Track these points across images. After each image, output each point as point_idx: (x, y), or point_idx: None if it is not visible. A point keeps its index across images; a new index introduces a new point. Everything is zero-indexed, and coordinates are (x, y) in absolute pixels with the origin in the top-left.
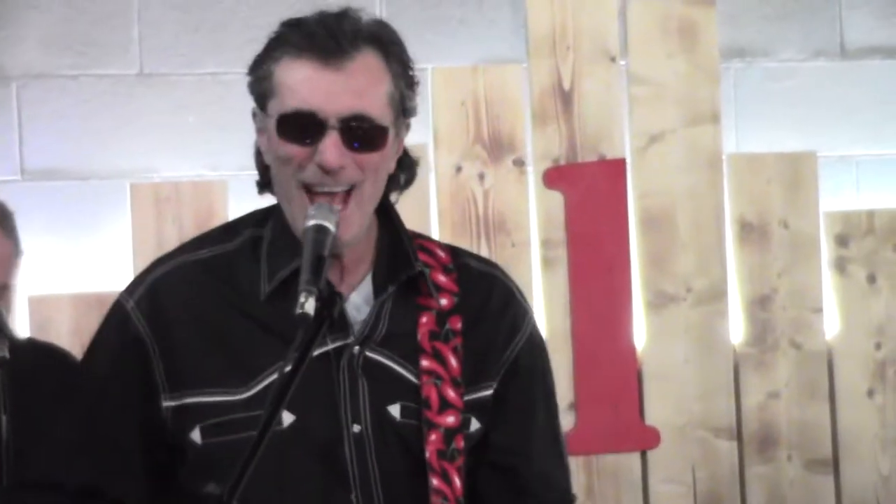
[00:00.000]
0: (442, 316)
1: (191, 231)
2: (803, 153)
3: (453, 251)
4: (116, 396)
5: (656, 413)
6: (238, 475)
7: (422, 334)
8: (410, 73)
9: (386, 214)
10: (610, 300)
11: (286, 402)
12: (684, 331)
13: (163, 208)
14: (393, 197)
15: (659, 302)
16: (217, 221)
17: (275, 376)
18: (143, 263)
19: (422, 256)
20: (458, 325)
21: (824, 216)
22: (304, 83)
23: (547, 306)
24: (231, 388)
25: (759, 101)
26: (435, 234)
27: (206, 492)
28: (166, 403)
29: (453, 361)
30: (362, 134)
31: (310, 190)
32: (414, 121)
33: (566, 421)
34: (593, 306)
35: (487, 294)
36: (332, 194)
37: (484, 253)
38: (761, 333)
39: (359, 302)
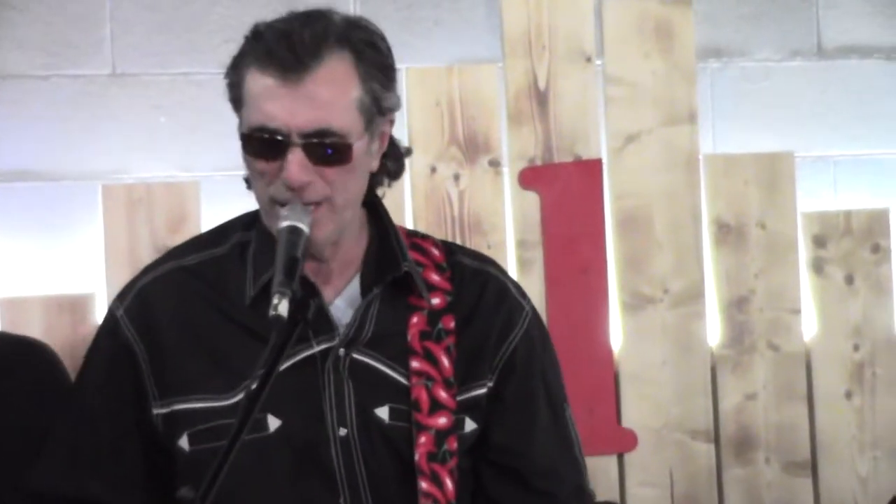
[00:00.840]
0: (434, 315)
1: (163, 233)
2: (780, 153)
3: (448, 248)
4: (112, 405)
5: (633, 415)
6: (210, 480)
7: (412, 335)
8: (387, 69)
9: (375, 212)
10: (586, 302)
11: (259, 406)
12: (661, 332)
13: (135, 210)
14: (381, 190)
15: (636, 303)
16: (190, 223)
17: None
18: (116, 265)
19: (414, 255)
20: (451, 324)
21: (802, 217)
22: (266, 99)
23: None
24: (217, 393)
25: (735, 101)
26: None
27: (178, 496)
28: (156, 411)
29: (445, 361)
30: (326, 148)
31: (279, 204)
32: None
33: None
34: (569, 308)
35: (480, 291)
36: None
37: None
38: (739, 335)
39: (346, 304)
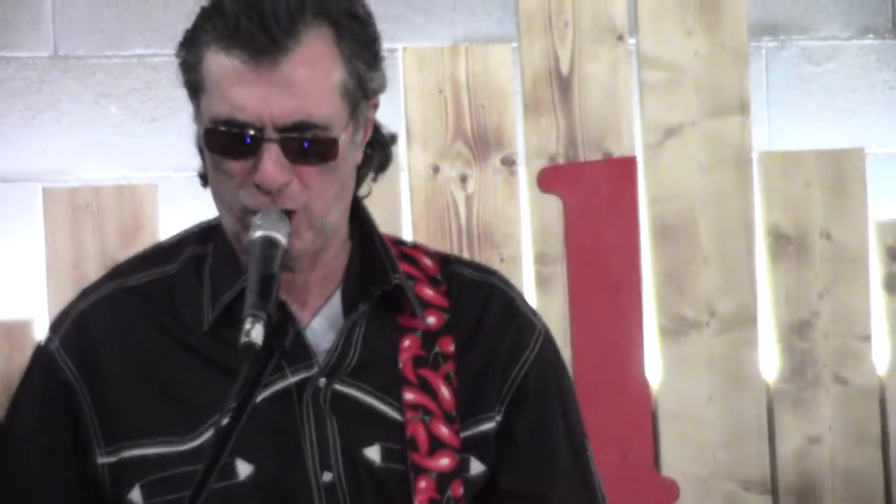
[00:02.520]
0: (429, 337)
1: (114, 244)
2: (849, 150)
3: (442, 259)
4: (47, 456)
5: (674, 462)
6: None
7: (404, 361)
8: (372, 44)
9: (356, 217)
10: (618, 326)
11: (227, 450)
12: (707, 363)
13: (81, 217)
14: (365, 188)
15: (676, 329)
16: (145, 233)
17: (226, 420)
18: (58, 283)
19: (404, 267)
20: (450, 348)
21: (874, 225)
22: (233, 85)
23: None
24: (174, 436)
25: (795, 87)
26: None
27: None
28: (102, 460)
29: (445, 392)
30: (307, 144)
31: (251, 212)
32: (383, 112)
33: None
34: (598, 334)
35: (483, 306)
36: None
37: None
38: (800, 366)
39: (324, 326)
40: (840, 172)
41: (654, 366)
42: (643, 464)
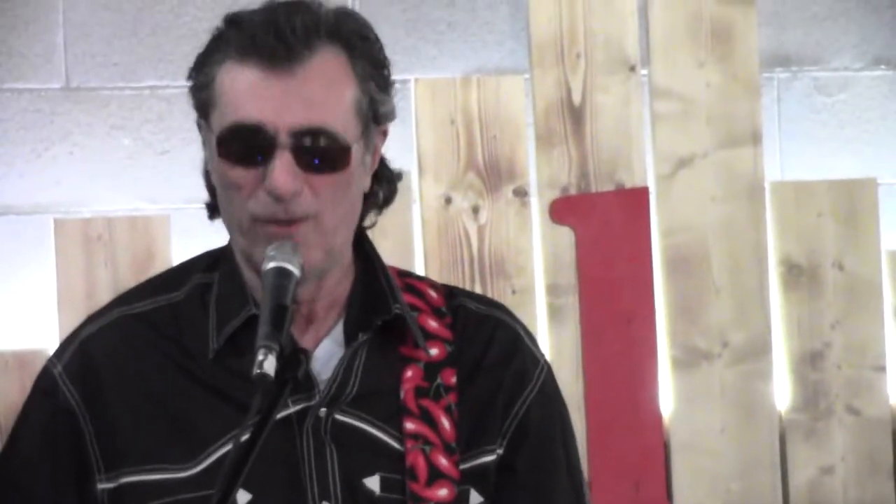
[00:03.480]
0: (432, 368)
1: (126, 275)
2: (861, 180)
3: (448, 291)
4: (49, 482)
5: (687, 493)
6: None
7: (406, 391)
8: (384, 71)
9: (360, 248)
10: (630, 357)
11: (239, 485)
12: (720, 394)
13: (93, 248)
14: (369, 219)
15: (689, 360)
16: (157, 264)
17: (227, 448)
18: (70, 314)
19: (409, 298)
20: (452, 380)
21: (886, 255)
22: (248, 93)
23: (554, 364)
24: (176, 463)
25: (807, 118)
26: None
27: None
28: (102, 486)
29: (446, 423)
30: (320, 152)
31: (260, 222)
32: (395, 143)
33: None
34: (610, 365)
35: (488, 340)
36: (282, 224)
37: None
38: (812, 397)
39: (327, 355)
40: (852, 203)
41: (667, 397)
42: (656, 495)
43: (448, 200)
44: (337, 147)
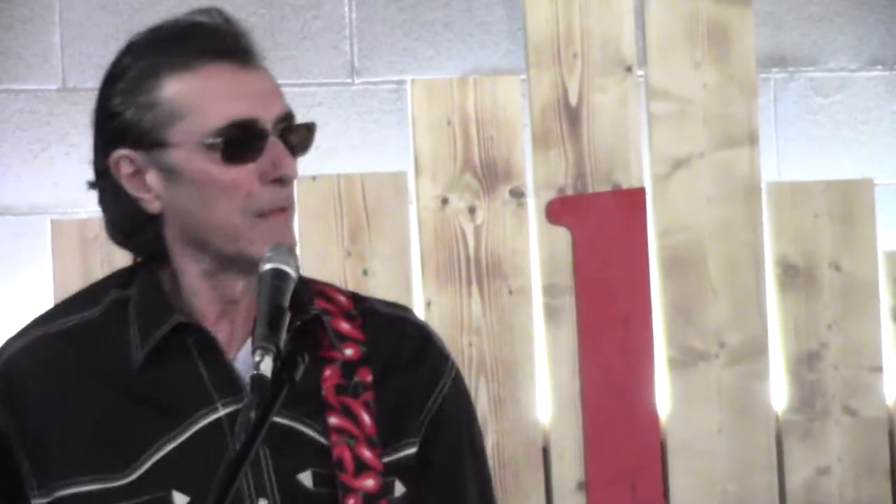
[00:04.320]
0: (348, 367)
1: None
2: (857, 181)
3: (355, 296)
4: None
5: (683, 493)
6: None
7: (327, 389)
8: None
9: None
10: (627, 358)
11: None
12: (716, 395)
13: (90, 249)
14: None
15: (686, 360)
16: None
17: (161, 454)
18: None
19: (320, 303)
20: (368, 378)
21: (883, 256)
22: (230, 90)
23: (551, 365)
24: (109, 472)
25: (804, 118)
26: (416, 280)
27: None
28: (36, 501)
29: (366, 418)
30: (298, 136)
31: (262, 215)
32: (392, 145)
33: (575, 503)
34: (607, 365)
35: (399, 340)
36: (281, 213)
37: (476, 302)
38: (809, 397)
39: (249, 357)
40: (849, 203)
41: (664, 397)
42: (652, 496)
43: (445, 201)
44: (307, 127)
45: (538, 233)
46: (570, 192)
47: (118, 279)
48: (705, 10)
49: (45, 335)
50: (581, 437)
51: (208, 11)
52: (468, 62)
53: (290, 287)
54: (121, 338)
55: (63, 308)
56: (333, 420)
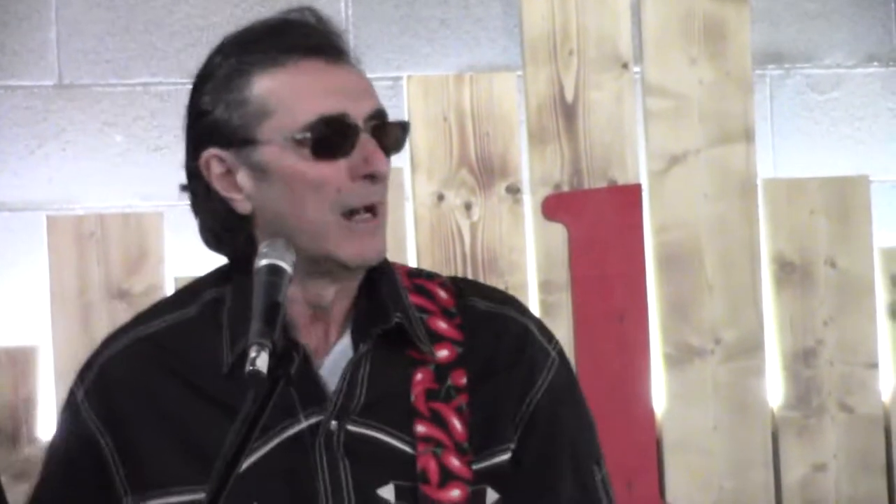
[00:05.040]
0: (442, 370)
1: (119, 272)
2: (853, 178)
3: (459, 289)
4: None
5: (679, 490)
6: None
7: (416, 394)
8: None
9: None
10: (623, 354)
11: (230, 483)
12: (712, 391)
13: (86, 245)
14: None
15: (682, 357)
16: (151, 262)
17: (243, 466)
18: (63, 312)
19: (417, 300)
20: (462, 381)
21: (879, 253)
22: (320, 86)
23: None
24: (198, 484)
25: (800, 115)
26: None
27: None
28: None
29: (457, 424)
30: (389, 133)
31: (349, 214)
32: None
33: None
34: (602, 362)
35: (497, 338)
36: (371, 214)
37: None
38: (805, 394)
39: (335, 367)
40: (845, 200)
41: (659, 394)
42: (648, 492)
43: (441, 197)
44: (402, 125)
45: (534, 229)
46: (566, 188)
47: (216, 277)
48: (701, 6)
49: (138, 339)
50: None
51: (300, 10)
52: (464, 59)
53: (286, 282)
54: (214, 340)
55: (160, 308)
56: (421, 428)
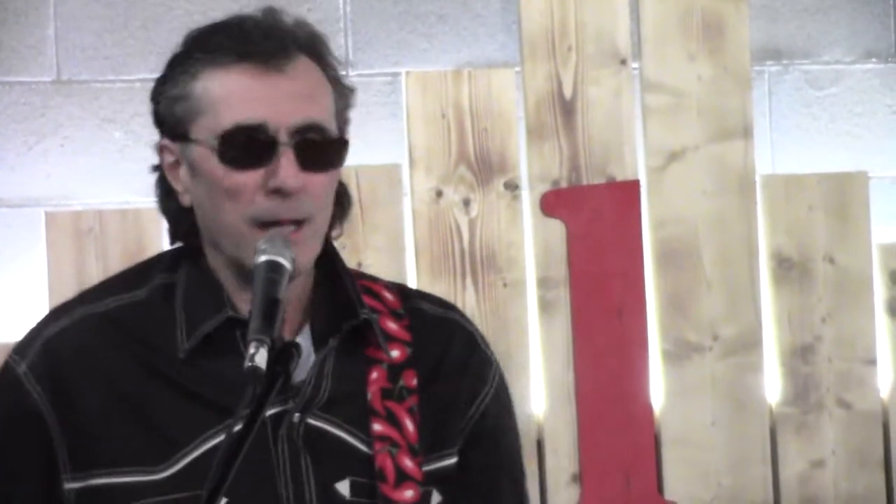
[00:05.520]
0: (394, 370)
1: (117, 268)
2: (852, 174)
3: (403, 293)
4: (11, 477)
5: (677, 486)
6: None
7: (373, 392)
8: (343, 83)
9: (323, 251)
10: (621, 350)
11: (230, 478)
12: (710, 387)
13: (84, 241)
14: (334, 233)
15: (680, 353)
16: (149, 256)
17: (200, 451)
18: None
19: (367, 300)
20: (413, 382)
21: (878, 249)
22: (245, 93)
23: (545, 357)
24: (147, 465)
25: (798, 111)
26: (411, 273)
27: None
28: (69, 485)
29: (409, 425)
30: (319, 148)
31: (262, 225)
32: (386, 137)
33: (569, 496)
34: (601, 358)
35: (446, 343)
36: (285, 225)
37: (470, 295)
38: (803, 390)
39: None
40: (843, 196)
41: (658, 390)
42: (646, 488)
43: (439, 194)
44: (334, 142)
45: (532, 225)
46: (564, 184)
47: (165, 262)
48: (700, 2)
49: (90, 315)
50: (575, 430)
51: (265, 10)
52: (463, 55)
53: (286, 278)
54: (167, 323)
55: (108, 287)
56: (378, 427)
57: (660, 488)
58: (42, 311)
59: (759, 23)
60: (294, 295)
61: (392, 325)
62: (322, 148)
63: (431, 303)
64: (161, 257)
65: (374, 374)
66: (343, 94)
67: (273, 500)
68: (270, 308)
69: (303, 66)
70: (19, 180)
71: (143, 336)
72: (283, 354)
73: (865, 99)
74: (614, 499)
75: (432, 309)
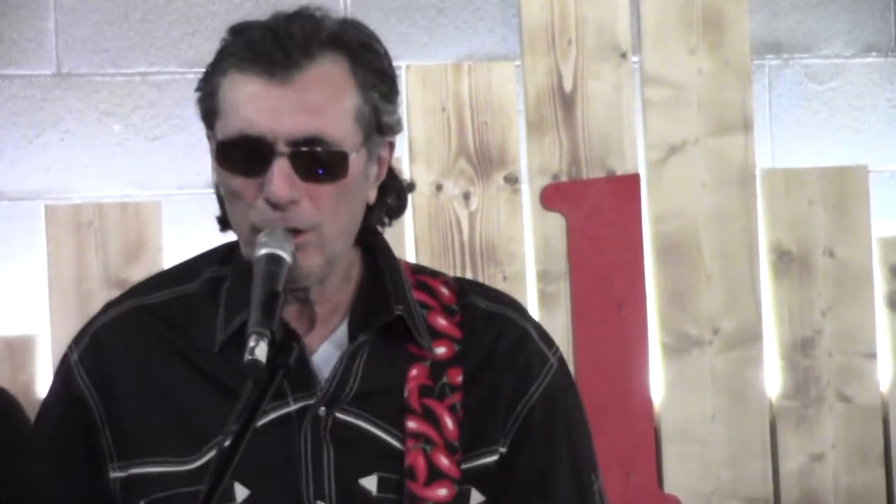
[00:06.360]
0: (438, 367)
1: (117, 261)
2: (852, 168)
3: (461, 288)
4: (62, 465)
5: (678, 480)
6: None
7: (410, 390)
8: (388, 79)
9: (370, 251)
10: (621, 344)
11: (230, 472)
12: (710, 381)
13: (84, 235)
14: (380, 227)
15: (680, 346)
16: (149, 251)
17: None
18: (61, 301)
19: (420, 296)
20: (458, 379)
21: (877, 243)
22: (248, 102)
23: None
24: (176, 457)
25: (798, 105)
26: None
27: None
28: (114, 474)
29: (449, 422)
30: (318, 160)
31: (257, 231)
32: None
33: None
34: (601, 352)
35: (495, 338)
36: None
37: None
38: (803, 384)
39: (328, 356)
40: (843, 190)
41: (658, 384)
42: (646, 482)
43: (439, 187)
44: (335, 155)
45: (532, 219)
46: (564, 178)
47: (218, 255)
48: None
49: (137, 307)
50: None
51: (300, 8)
52: (463, 48)
53: (285, 271)
54: (210, 318)
55: (161, 279)
56: (412, 424)
57: (660, 482)
58: (42, 305)
59: (759, 16)
60: (324, 296)
61: (442, 322)
62: (320, 159)
63: (487, 298)
64: (216, 250)
65: (415, 371)
66: (381, 91)
67: (295, 492)
68: (270, 301)
69: (316, 74)
70: (19, 173)
71: (187, 329)
72: (284, 347)
73: (865, 93)
74: (614, 492)
75: (486, 305)
